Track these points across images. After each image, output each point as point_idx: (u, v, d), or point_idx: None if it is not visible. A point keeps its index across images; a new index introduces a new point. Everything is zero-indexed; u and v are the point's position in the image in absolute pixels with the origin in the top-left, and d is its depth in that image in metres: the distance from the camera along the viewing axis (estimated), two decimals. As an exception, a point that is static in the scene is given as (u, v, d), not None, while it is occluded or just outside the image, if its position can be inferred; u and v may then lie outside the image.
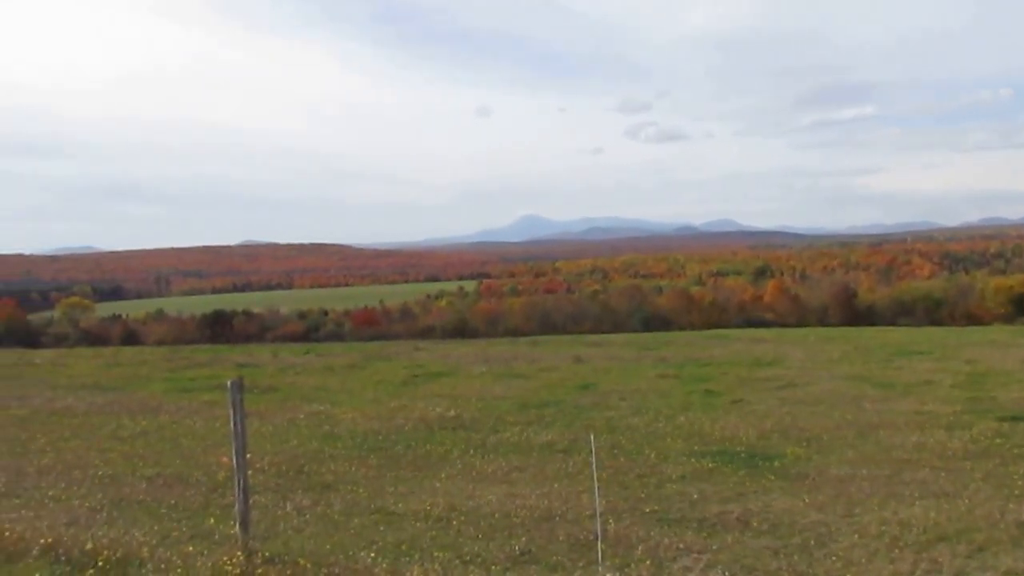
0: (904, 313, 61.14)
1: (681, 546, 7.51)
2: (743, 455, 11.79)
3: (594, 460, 7.07)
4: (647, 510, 8.88)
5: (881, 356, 26.99)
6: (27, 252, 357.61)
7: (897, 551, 7.20)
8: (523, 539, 7.84)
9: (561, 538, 7.87)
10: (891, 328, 48.78)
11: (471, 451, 12.65)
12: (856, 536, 7.71)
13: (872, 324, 55.72)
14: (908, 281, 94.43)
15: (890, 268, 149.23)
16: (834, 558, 7.08)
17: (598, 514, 7.08)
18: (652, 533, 7.94)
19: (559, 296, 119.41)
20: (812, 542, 7.58)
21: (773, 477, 10.42)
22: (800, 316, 65.46)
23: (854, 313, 63.29)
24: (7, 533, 6.90)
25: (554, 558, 7.27)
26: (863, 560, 7.02)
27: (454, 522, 8.51)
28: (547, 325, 78.52)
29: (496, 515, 8.74)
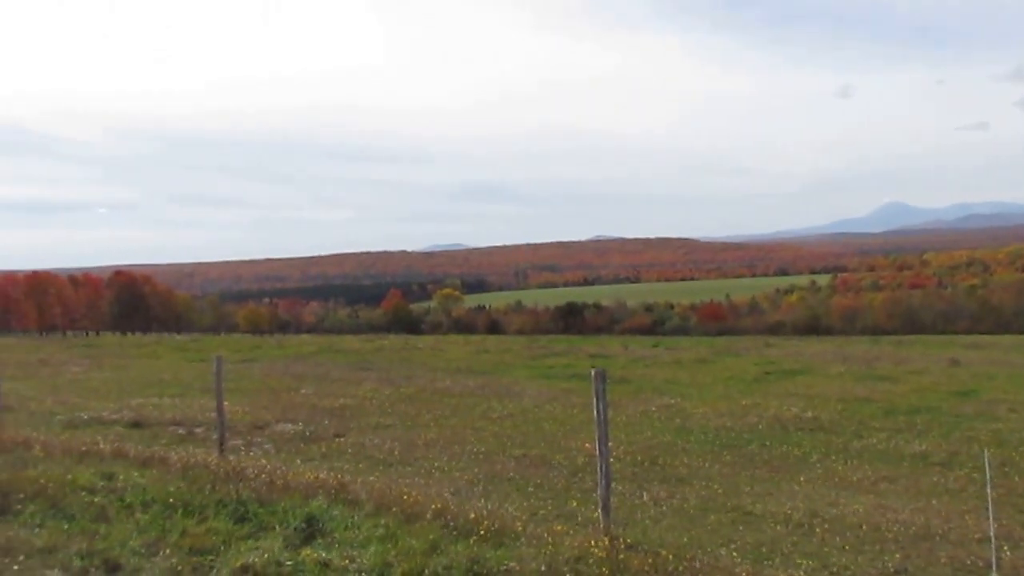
0: None
1: (1101, 588, 6.39)
2: None
3: (988, 477, 6.27)
4: (1052, 540, 7.67)
5: None
6: (409, 249, 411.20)
7: None
8: (897, 556, 7.21)
9: (943, 560, 7.10)
10: None
11: (832, 456, 11.92)
12: None
13: None
14: None
15: None
16: None
17: (993, 538, 6.27)
18: (1061, 568, 6.85)
19: (928, 292, 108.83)
20: None
21: None
22: None
23: None
24: (405, 496, 7.88)
25: (936, 581, 6.59)
26: None
27: (817, 529, 8.07)
28: (913, 323, 71.96)
29: (864, 527, 8.14)
